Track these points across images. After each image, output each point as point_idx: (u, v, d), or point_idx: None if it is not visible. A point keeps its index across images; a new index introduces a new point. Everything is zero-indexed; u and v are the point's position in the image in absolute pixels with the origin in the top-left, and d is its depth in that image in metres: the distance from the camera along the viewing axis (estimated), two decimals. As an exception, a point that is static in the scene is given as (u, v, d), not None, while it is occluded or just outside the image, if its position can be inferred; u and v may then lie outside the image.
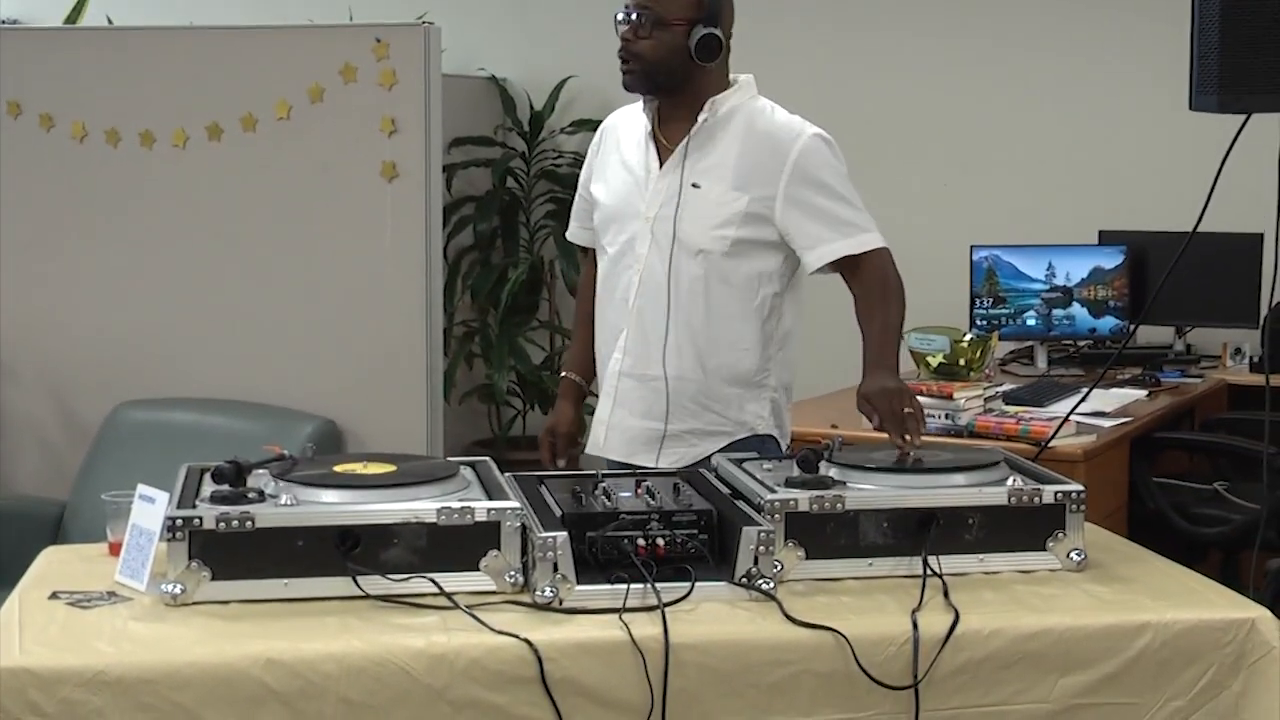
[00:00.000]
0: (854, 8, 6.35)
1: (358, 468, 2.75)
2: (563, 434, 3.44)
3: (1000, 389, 4.72)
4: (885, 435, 2.98)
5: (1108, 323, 5.56)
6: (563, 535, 2.49)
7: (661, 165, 3.26)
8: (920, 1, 6.22)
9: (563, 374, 3.53)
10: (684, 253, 3.21)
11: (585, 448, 3.41)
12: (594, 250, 3.46)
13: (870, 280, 3.18)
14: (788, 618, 2.44)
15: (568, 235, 3.59)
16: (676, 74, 3.19)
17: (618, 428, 3.31)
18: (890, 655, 2.42)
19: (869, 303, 3.18)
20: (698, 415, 3.24)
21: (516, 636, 2.35)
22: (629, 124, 3.37)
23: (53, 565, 2.78)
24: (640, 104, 3.32)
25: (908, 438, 2.92)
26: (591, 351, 3.43)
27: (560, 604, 2.47)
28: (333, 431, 4.50)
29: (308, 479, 2.65)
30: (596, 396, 3.40)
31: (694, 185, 3.21)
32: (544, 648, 2.34)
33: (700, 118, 3.21)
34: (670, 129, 3.27)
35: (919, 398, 3.06)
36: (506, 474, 2.84)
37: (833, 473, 2.79)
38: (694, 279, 3.21)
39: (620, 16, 3.18)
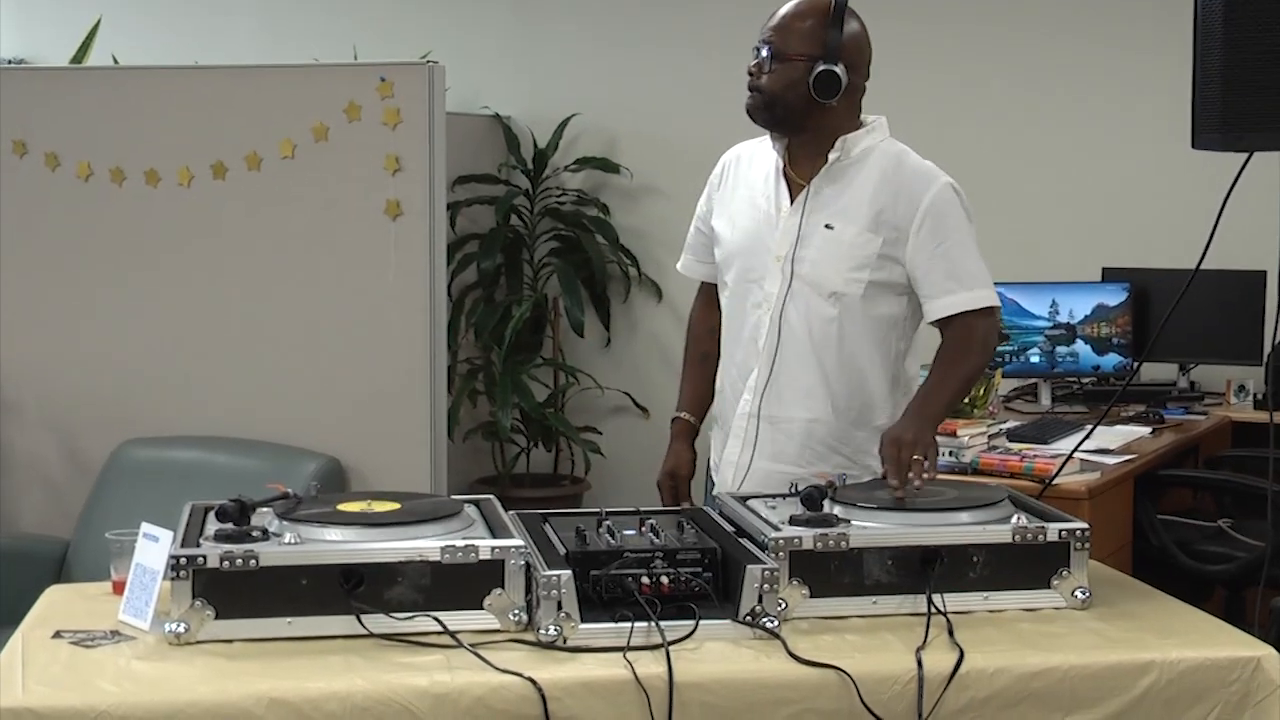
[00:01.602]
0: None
1: (361, 506, 2.75)
2: (683, 476, 3.35)
3: (1004, 426, 4.72)
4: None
5: (1111, 360, 5.56)
6: (567, 573, 2.49)
7: (792, 203, 3.21)
8: (921, 37, 6.23)
9: (677, 414, 3.43)
10: (816, 294, 3.16)
11: (714, 487, 3.34)
12: (706, 284, 3.43)
13: (961, 333, 3.16)
14: (792, 656, 2.44)
15: (679, 267, 3.50)
16: (796, 109, 3.13)
17: (747, 470, 3.25)
18: (895, 694, 2.42)
19: (948, 352, 3.16)
20: (826, 458, 3.18)
21: (521, 675, 2.35)
22: (755, 159, 3.30)
23: (56, 604, 2.78)
24: (765, 140, 3.27)
25: (915, 484, 2.89)
26: (703, 391, 3.40)
27: (564, 642, 2.47)
28: (336, 469, 4.50)
29: (311, 517, 2.66)
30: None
31: (827, 226, 3.16)
32: (548, 686, 2.34)
33: (831, 156, 3.16)
34: (800, 167, 3.21)
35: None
36: (510, 512, 2.84)
37: (837, 510, 2.79)
38: (826, 320, 3.16)
39: (754, 50, 3.16)
